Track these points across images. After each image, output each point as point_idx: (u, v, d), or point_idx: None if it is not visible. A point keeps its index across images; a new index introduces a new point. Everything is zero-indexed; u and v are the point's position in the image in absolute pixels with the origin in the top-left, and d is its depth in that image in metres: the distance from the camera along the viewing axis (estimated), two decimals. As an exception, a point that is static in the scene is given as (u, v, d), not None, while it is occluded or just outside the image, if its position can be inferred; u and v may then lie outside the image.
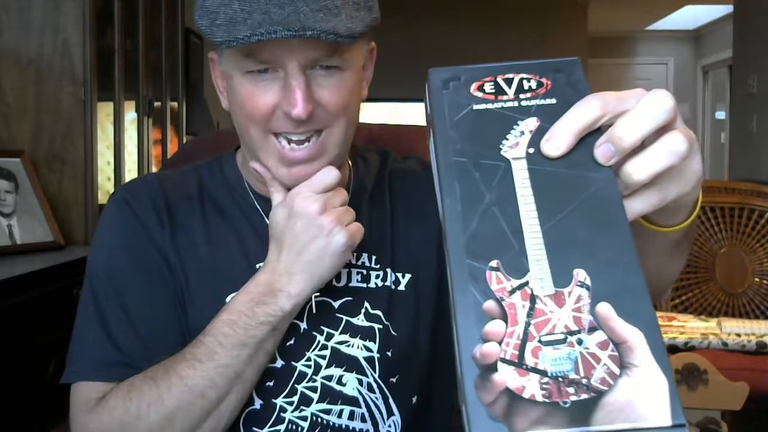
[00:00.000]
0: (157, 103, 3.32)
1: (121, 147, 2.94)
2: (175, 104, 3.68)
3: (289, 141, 0.85)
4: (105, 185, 2.80)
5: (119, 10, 2.86)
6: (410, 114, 6.79)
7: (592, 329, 0.46)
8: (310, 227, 0.82)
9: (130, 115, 3.06)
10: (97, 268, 0.93)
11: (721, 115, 8.46)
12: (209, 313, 0.86)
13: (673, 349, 2.16)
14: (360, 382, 0.91)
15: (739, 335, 2.19)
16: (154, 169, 3.21)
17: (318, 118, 0.84)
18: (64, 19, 2.55)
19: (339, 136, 0.87)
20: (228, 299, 0.89)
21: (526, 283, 0.48)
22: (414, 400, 0.94)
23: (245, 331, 0.82)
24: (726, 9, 6.98)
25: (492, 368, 0.45)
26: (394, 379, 0.92)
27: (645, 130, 0.53)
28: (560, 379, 0.44)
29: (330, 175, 0.84)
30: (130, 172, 3.06)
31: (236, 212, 0.95)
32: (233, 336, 0.82)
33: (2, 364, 1.95)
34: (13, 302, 2.02)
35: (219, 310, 0.86)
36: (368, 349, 0.91)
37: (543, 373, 0.44)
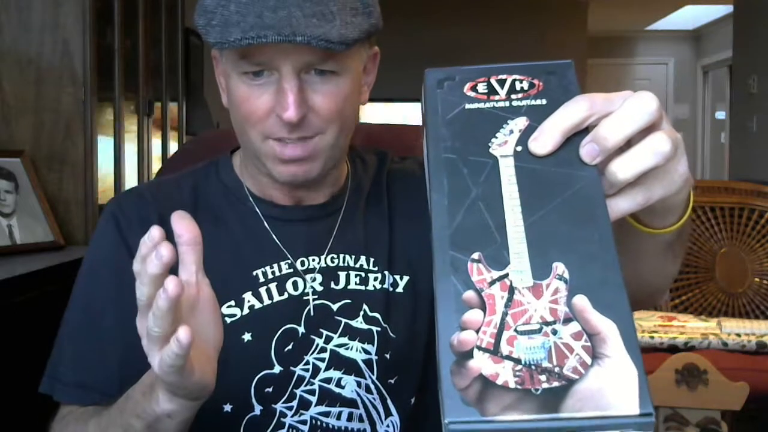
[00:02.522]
0: (157, 103, 3.32)
1: (121, 147, 2.94)
2: (175, 104, 3.68)
3: (284, 141, 0.85)
4: (105, 185, 2.80)
5: (119, 10, 2.86)
6: (410, 114, 6.79)
7: (567, 320, 0.48)
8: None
9: (130, 116, 3.06)
10: (80, 286, 0.93)
11: (721, 115, 8.46)
12: None
13: (673, 349, 2.16)
14: (358, 384, 0.91)
15: (739, 335, 2.19)
16: (154, 169, 3.21)
17: (311, 123, 0.84)
18: (64, 19, 2.55)
19: (331, 141, 0.86)
20: (223, 308, 0.89)
21: (506, 275, 0.49)
22: (412, 401, 0.94)
23: (122, 415, 0.75)
24: (726, 9, 6.98)
25: (468, 355, 0.46)
26: (392, 381, 0.92)
27: (629, 131, 0.54)
28: (533, 367, 0.46)
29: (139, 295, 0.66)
30: (130, 172, 3.06)
31: (232, 218, 0.94)
32: (121, 414, 0.76)
33: (2, 364, 1.95)
34: (13, 302, 2.02)
35: None
36: (367, 352, 0.91)
37: (517, 361, 0.46)
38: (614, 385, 0.45)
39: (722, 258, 2.77)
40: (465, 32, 6.99)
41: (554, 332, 0.47)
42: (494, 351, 0.46)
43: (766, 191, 2.77)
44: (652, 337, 2.19)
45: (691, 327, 2.26)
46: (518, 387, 0.45)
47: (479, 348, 0.47)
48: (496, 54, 6.93)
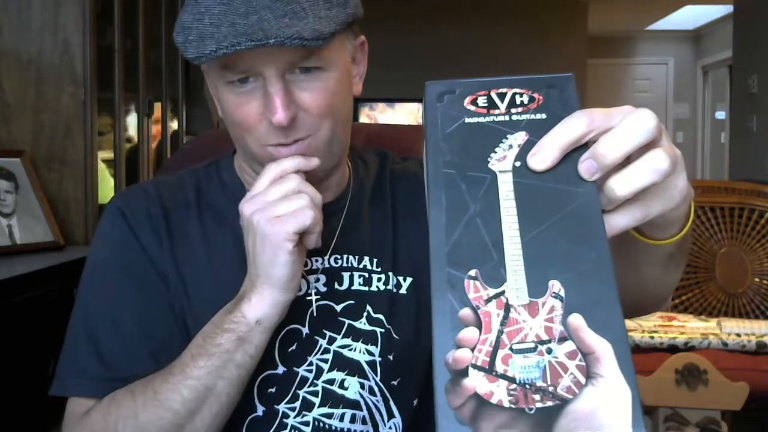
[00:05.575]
0: (157, 103, 3.32)
1: (121, 147, 2.94)
2: (175, 104, 3.68)
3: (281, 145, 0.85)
4: (105, 185, 2.80)
5: (119, 10, 2.86)
6: (411, 114, 6.80)
7: (562, 339, 0.48)
8: (245, 231, 0.80)
9: (130, 115, 3.06)
10: (90, 280, 0.92)
11: (721, 115, 8.46)
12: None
13: (673, 349, 2.16)
14: (362, 386, 0.90)
15: (739, 335, 2.19)
16: (154, 169, 3.21)
17: (303, 123, 0.83)
18: (64, 19, 2.55)
19: (327, 137, 0.86)
20: None
21: (503, 293, 0.50)
22: (415, 402, 0.93)
23: (212, 339, 0.80)
24: (726, 9, 6.98)
25: (463, 373, 0.47)
26: (395, 382, 0.92)
27: (627, 148, 0.55)
28: (527, 386, 0.46)
29: (264, 176, 0.81)
30: (130, 172, 3.06)
31: (235, 218, 0.93)
32: (203, 347, 0.81)
33: (2, 364, 1.95)
34: (13, 302, 2.02)
35: None
36: (370, 353, 0.91)
37: (511, 379, 0.46)
38: (608, 405, 0.45)
39: (722, 258, 2.77)
40: (465, 32, 6.98)
41: (549, 351, 0.47)
42: (489, 369, 0.47)
43: (766, 191, 2.76)
44: (652, 337, 2.19)
45: (691, 327, 2.26)
46: (512, 406, 0.45)
47: (474, 366, 0.47)
48: (496, 54, 6.93)
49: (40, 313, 2.10)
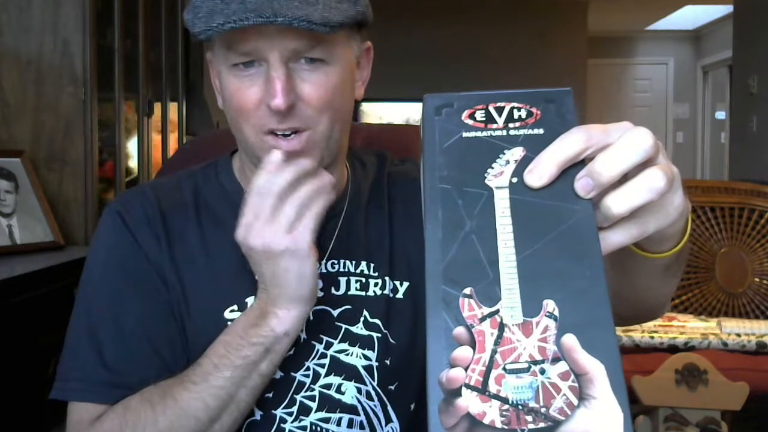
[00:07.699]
0: (157, 103, 3.32)
1: (121, 147, 2.94)
2: (175, 104, 3.68)
3: (277, 135, 0.85)
4: (105, 185, 2.80)
5: (119, 10, 2.86)
6: (411, 113, 6.80)
7: (555, 360, 0.48)
8: (257, 261, 0.80)
9: (130, 116, 3.06)
10: (90, 283, 0.92)
11: (721, 115, 8.46)
12: (207, 327, 0.85)
13: (673, 349, 2.16)
14: (359, 390, 0.90)
15: (739, 335, 2.19)
16: (154, 169, 3.21)
17: (301, 114, 0.83)
18: (64, 19, 2.55)
19: (325, 133, 0.86)
20: (226, 312, 0.89)
21: (497, 312, 0.49)
22: (412, 407, 0.93)
23: (238, 351, 0.81)
24: (726, 9, 6.98)
25: (456, 393, 0.47)
26: (392, 387, 0.92)
27: (623, 167, 0.55)
28: (520, 407, 0.46)
29: (251, 192, 0.79)
30: (131, 172, 3.06)
31: (233, 221, 0.93)
32: (226, 357, 0.81)
33: (2, 364, 1.95)
34: (13, 302, 2.02)
35: (217, 322, 0.85)
36: (367, 358, 0.91)
37: (504, 400, 0.46)
38: (600, 427, 0.45)
39: (722, 258, 2.77)
40: (465, 32, 6.98)
41: (542, 372, 0.47)
42: (482, 389, 0.47)
43: (766, 191, 2.77)
44: (652, 337, 2.19)
45: (691, 327, 2.26)
46: (505, 427, 0.45)
47: (467, 386, 0.47)
48: (496, 54, 6.94)
49: (40, 313, 2.10)
